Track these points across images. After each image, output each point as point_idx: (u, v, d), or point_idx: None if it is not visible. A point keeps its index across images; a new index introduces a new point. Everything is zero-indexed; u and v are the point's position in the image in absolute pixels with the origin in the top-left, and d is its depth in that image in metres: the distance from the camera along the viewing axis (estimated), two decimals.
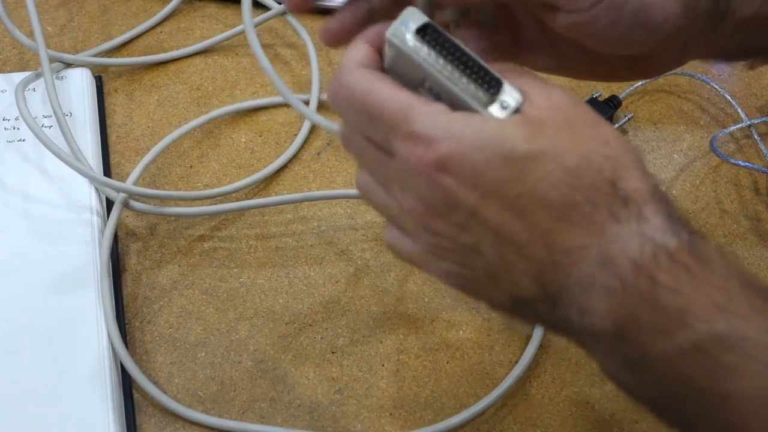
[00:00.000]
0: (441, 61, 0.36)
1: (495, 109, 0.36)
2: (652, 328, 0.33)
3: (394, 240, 0.39)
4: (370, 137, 0.37)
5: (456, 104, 0.36)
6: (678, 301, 0.33)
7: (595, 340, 0.35)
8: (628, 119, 0.64)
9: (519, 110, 0.36)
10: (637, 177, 0.35)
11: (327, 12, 0.71)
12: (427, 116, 0.35)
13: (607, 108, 0.64)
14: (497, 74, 0.36)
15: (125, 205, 0.57)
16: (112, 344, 0.51)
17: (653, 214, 0.34)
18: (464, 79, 0.36)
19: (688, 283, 0.33)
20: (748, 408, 0.32)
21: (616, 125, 0.64)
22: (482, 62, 0.36)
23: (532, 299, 0.36)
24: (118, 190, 0.57)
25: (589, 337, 0.35)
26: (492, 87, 0.36)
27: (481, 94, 0.36)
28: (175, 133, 0.62)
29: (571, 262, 0.35)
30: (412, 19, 0.37)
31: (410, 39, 0.36)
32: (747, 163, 0.61)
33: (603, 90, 0.65)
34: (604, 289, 0.34)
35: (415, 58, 0.36)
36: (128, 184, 0.58)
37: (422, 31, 0.36)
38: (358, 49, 0.38)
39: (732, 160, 0.60)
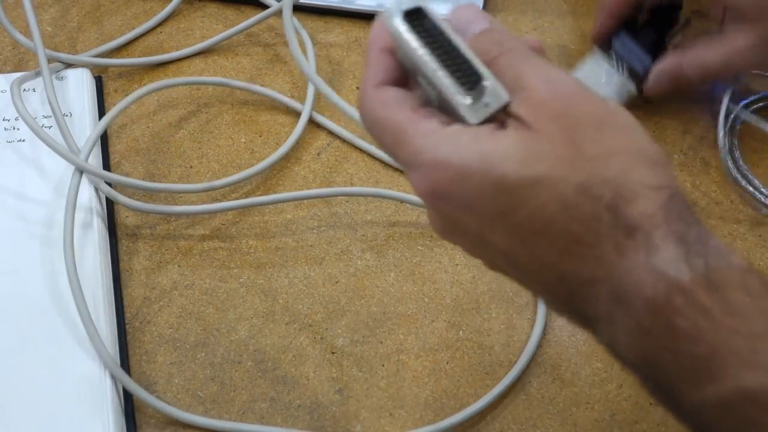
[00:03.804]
0: (423, 50, 0.35)
1: (475, 112, 0.34)
2: (678, 376, 0.32)
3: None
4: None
5: (442, 100, 0.35)
6: (701, 351, 0.31)
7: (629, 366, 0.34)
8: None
9: (506, 109, 0.34)
10: (645, 195, 0.32)
11: (326, 12, 0.71)
12: (416, 140, 0.34)
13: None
14: (480, 68, 0.34)
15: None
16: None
17: (664, 240, 0.32)
18: (443, 73, 0.34)
19: (709, 329, 0.31)
20: None
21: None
22: (467, 54, 0.35)
23: (564, 312, 0.36)
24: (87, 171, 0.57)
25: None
26: (471, 83, 0.34)
27: (462, 90, 0.34)
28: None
29: (587, 296, 0.33)
30: (405, 1, 0.35)
31: (397, 22, 0.35)
32: None
33: None
34: (624, 327, 0.33)
35: (399, 42, 0.35)
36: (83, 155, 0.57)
37: (411, 16, 0.35)
38: (371, 64, 0.37)
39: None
